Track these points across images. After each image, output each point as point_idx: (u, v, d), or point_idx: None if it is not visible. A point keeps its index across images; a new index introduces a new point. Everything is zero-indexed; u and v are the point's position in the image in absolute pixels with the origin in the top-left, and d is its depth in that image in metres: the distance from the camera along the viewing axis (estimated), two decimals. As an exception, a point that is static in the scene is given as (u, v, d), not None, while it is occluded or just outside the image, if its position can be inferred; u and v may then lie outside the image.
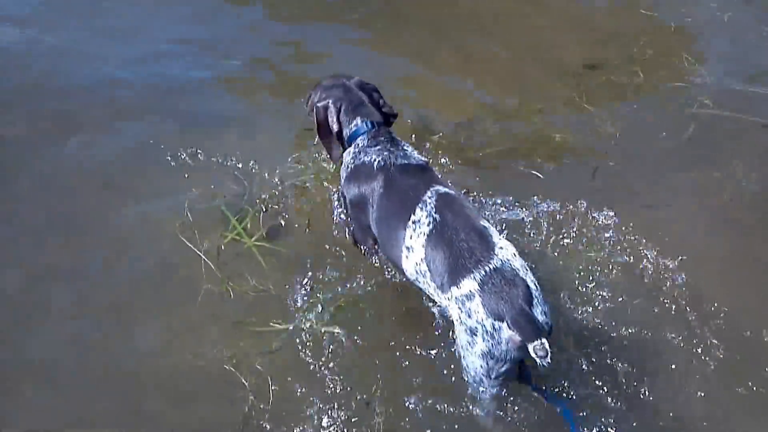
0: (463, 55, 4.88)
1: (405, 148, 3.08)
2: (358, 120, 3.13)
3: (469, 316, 2.45)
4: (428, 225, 2.66)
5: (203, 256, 3.37)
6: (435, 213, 2.67)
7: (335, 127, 3.17)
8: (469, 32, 5.11)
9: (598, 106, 4.49)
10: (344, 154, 3.17)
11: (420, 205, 2.73)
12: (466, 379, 2.64)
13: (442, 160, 3.93)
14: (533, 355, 2.30)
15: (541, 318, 2.40)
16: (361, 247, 3.25)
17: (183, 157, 3.85)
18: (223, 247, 3.44)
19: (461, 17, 5.31)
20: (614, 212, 3.61)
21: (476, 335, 2.44)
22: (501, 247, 2.54)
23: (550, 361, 2.30)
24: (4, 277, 3.27)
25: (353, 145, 3.11)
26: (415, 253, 2.68)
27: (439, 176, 3.07)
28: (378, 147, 3.03)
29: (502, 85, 4.65)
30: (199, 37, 4.90)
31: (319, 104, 3.20)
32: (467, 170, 3.92)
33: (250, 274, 3.32)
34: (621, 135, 4.29)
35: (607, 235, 3.53)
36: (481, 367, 2.52)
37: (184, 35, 4.91)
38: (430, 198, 2.75)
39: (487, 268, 2.45)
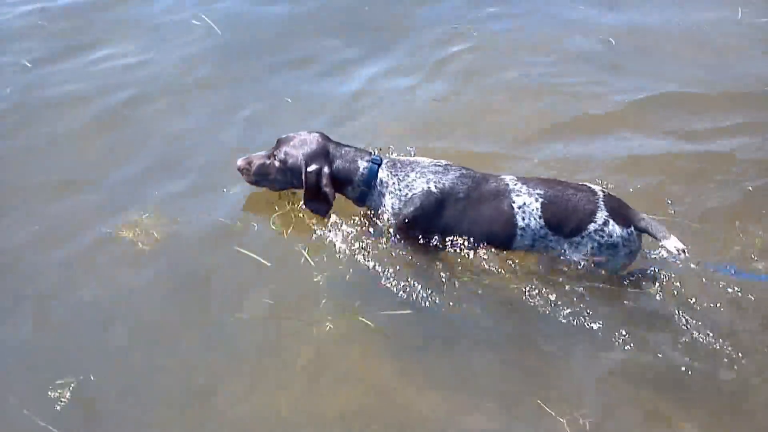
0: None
1: (431, 164, 3.43)
2: (362, 163, 3.43)
3: (611, 236, 3.24)
4: (536, 201, 3.28)
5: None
6: (534, 190, 3.30)
7: (329, 190, 3.38)
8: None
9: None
10: (374, 198, 3.44)
11: (513, 195, 3.29)
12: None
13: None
14: (673, 250, 3.21)
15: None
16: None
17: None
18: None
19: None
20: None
21: (617, 246, 3.27)
22: (593, 186, 3.41)
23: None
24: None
25: (379, 184, 3.40)
26: (531, 228, 3.28)
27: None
28: (413, 173, 3.38)
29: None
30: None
31: (310, 170, 3.38)
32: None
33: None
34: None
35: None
36: (623, 264, 3.36)
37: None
38: (514, 185, 3.33)
39: (602, 201, 3.28)
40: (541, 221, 3.27)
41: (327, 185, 3.39)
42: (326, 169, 3.38)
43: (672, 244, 3.21)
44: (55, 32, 5.49)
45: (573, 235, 3.28)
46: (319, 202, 3.46)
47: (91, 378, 2.97)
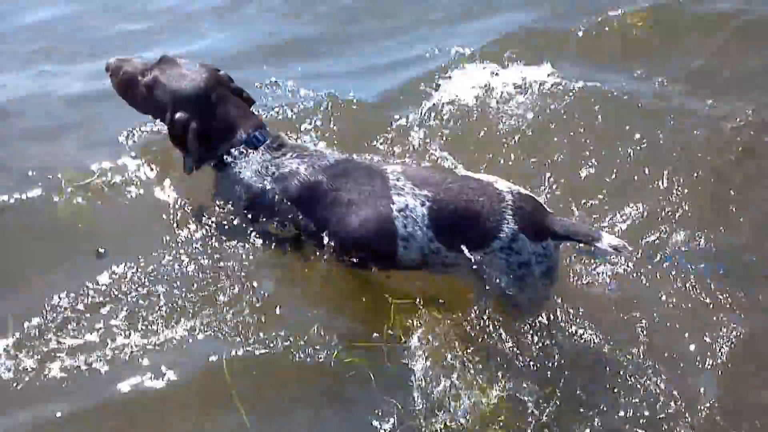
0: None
1: (316, 147, 2.89)
2: (240, 134, 2.82)
3: (519, 254, 2.54)
4: (422, 206, 2.58)
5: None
6: (420, 191, 2.60)
7: (194, 148, 2.81)
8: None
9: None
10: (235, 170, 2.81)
11: (393, 194, 2.61)
12: (526, 311, 2.71)
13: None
14: (609, 249, 2.52)
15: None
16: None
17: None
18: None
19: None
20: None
21: (530, 265, 2.57)
22: (495, 181, 2.66)
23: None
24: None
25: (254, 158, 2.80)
26: (417, 239, 2.57)
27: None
28: (290, 154, 2.79)
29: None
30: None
31: (176, 117, 2.78)
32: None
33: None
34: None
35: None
36: (544, 285, 2.66)
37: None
38: (396, 180, 2.64)
39: (510, 207, 2.55)
40: (430, 232, 2.58)
41: (192, 142, 2.78)
42: (194, 125, 2.76)
43: (606, 242, 2.54)
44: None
45: (475, 248, 2.59)
46: (182, 150, 2.87)
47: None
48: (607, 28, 4.28)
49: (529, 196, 2.66)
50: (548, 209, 2.70)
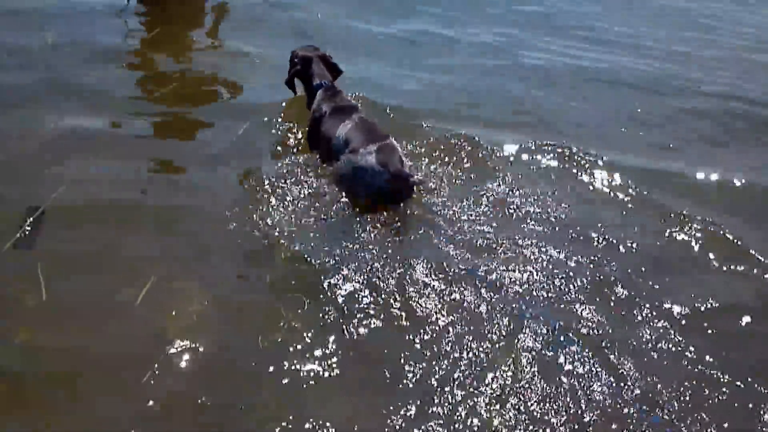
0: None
1: (343, 96, 4.88)
2: (315, 81, 4.97)
3: (366, 163, 4.23)
4: (349, 125, 4.54)
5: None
6: (356, 120, 4.58)
7: (288, 78, 5.13)
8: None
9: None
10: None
11: (347, 120, 4.61)
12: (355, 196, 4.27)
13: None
14: (415, 181, 4.22)
15: (407, 171, 4.24)
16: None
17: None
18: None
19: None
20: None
21: (366, 171, 4.22)
22: (389, 137, 4.42)
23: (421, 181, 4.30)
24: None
25: (317, 95, 4.91)
26: (342, 136, 4.49)
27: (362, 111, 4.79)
28: (325, 97, 4.86)
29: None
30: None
31: (293, 61, 5.11)
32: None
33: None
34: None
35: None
36: (360, 190, 4.26)
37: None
38: (354, 116, 4.67)
39: (382, 146, 4.29)
40: (343, 137, 4.47)
41: (290, 76, 5.11)
42: (298, 68, 5.06)
43: (413, 179, 4.20)
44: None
45: (352, 153, 4.34)
46: (289, 81, 5.16)
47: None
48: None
49: (398, 150, 4.31)
50: (406, 162, 4.26)
